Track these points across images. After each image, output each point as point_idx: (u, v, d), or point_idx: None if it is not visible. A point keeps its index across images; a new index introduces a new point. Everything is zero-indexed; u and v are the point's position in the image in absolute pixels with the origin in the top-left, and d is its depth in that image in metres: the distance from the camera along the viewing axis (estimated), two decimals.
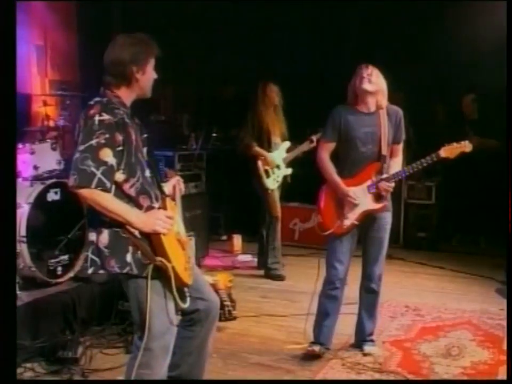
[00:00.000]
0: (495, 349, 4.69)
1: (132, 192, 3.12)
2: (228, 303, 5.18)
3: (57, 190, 5.06)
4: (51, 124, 5.97)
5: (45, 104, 6.11)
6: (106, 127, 3.01)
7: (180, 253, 3.19)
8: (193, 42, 8.93)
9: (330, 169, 4.45)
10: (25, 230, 4.72)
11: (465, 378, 4.23)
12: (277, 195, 6.63)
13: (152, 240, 3.06)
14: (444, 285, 6.45)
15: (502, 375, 4.19)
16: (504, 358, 4.49)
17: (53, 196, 5.04)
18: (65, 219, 5.10)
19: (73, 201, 5.15)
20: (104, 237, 3.09)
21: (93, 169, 2.97)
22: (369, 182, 4.41)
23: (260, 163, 6.44)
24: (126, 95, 3.21)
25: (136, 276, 3.08)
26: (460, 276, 6.77)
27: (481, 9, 7.56)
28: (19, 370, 4.12)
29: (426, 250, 7.80)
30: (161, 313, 3.14)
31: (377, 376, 4.25)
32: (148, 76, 3.22)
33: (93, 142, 2.98)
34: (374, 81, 4.35)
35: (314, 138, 6.43)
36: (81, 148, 2.99)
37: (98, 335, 4.77)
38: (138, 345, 3.15)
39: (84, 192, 3.01)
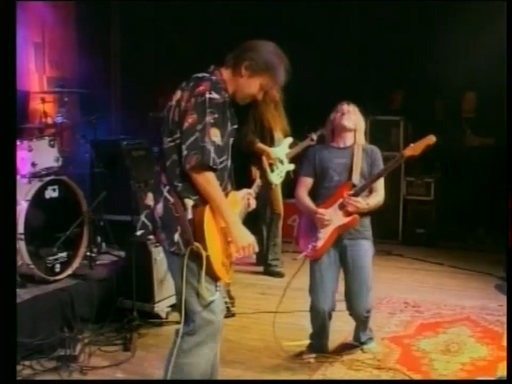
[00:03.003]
0: (494, 345, 4.69)
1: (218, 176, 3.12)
2: (226, 299, 5.17)
3: (55, 187, 5.05)
4: (49, 121, 5.95)
5: (43, 101, 6.09)
6: (215, 107, 3.03)
7: (220, 247, 3.17)
8: (192, 39, 8.91)
9: (306, 201, 4.44)
10: (23, 227, 4.71)
11: (464, 374, 4.22)
12: (279, 191, 6.63)
13: (195, 226, 3.06)
14: (443, 281, 6.45)
15: (501, 371, 4.18)
16: (503, 354, 4.48)
17: (51, 193, 5.02)
18: (63, 216, 5.09)
19: (71, 198, 5.17)
20: (160, 207, 3.13)
21: (209, 147, 2.99)
22: (340, 201, 4.36)
23: (264, 158, 6.44)
24: (229, 82, 3.20)
25: (183, 255, 3.08)
26: (459, 272, 6.77)
27: (482, 8, 7.53)
28: (17, 368, 4.11)
29: (425, 247, 7.80)
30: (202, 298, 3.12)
31: (376, 372, 4.25)
32: (250, 83, 3.22)
33: (206, 120, 3.00)
34: (352, 119, 4.44)
35: (314, 136, 6.43)
36: (199, 127, 3.00)
37: (97, 332, 4.78)
38: (182, 331, 3.15)
39: (200, 177, 3.02)
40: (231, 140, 3.26)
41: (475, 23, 7.67)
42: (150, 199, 3.21)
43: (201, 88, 3.05)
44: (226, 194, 3.21)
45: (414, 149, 4.31)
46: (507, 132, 5.49)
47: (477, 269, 6.75)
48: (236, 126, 3.27)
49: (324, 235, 4.36)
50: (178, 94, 3.15)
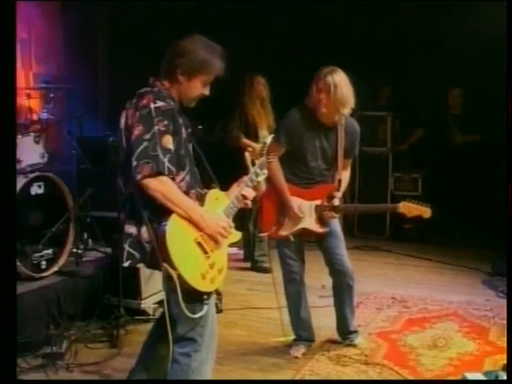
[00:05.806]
0: (481, 340, 4.70)
1: (183, 186, 3.05)
2: (214, 295, 5.15)
3: (41, 183, 5.01)
4: (34, 117, 5.91)
5: (29, 97, 6.04)
6: (163, 114, 2.96)
7: (195, 258, 2.98)
8: (180, 35, 8.87)
9: (278, 173, 4.27)
10: None
11: (451, 369, 4.22)
12: (262, 188, 6.59)
13: (158, 242, 2.91)
14: (430, 277, 6.47)
15: (488, 366, 4.20)
16: (490, 348, 4.51)
17: (36, 189, 4.98)
18: (49, 213, 5.05)
19: (57, 195, 5.14)
20: (145, 231, 2.97)
21: (161, 156, 2.90)
22: (318, 202, 4.30)
23: (247, 154, 6.42)
24: (172, 90, 3.14)
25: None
26: (446, 267, 6.78)
27: (471, 6, 7.53)
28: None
29: (412, 242, 7.81)
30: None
31: (363, 368, 4.25)
32: (191, 86, 3.14)
33: (155, 129, 2.92)
34: (334, 95, 4.06)
35: None
36: (147, 136, 2.91)
37: (83, 330, 4.76)
38: (187, 351, 3.13)
39: (154, 181, 2.88)
40: (190, 145, 3.20)
41: (464, 20, 7.68)
42: (130, 227, 3.03)
43: (144, 101, 2.99)
44: (204, 194, 3.14)
45: (408, 209, 4.34)
46: (507, 131, 5.48)
47: (464, 264, 6.77)
48: (190, 130, 3.20)
49: (289, 229, 4.32)
50: (123, 115, 3.08)
